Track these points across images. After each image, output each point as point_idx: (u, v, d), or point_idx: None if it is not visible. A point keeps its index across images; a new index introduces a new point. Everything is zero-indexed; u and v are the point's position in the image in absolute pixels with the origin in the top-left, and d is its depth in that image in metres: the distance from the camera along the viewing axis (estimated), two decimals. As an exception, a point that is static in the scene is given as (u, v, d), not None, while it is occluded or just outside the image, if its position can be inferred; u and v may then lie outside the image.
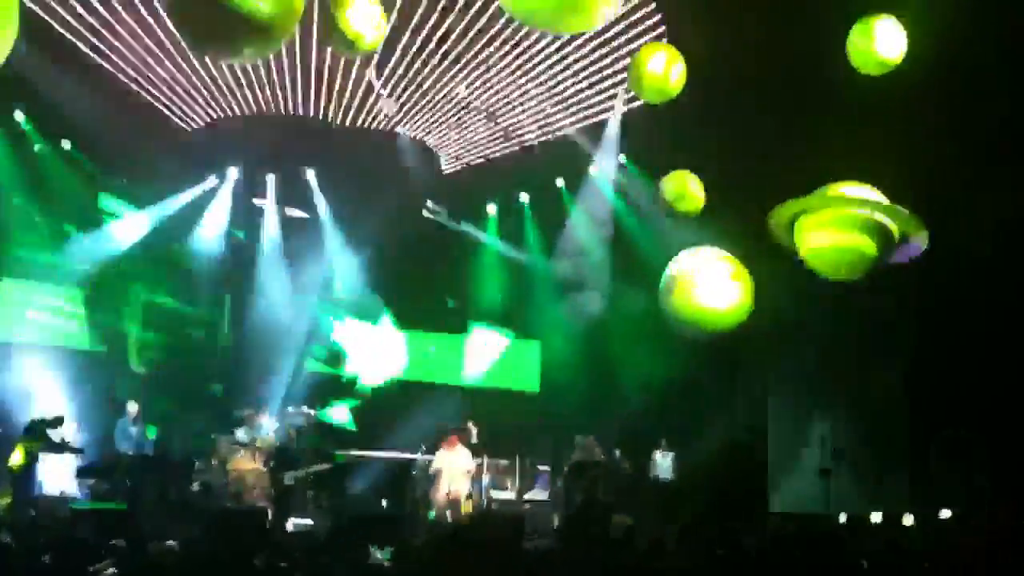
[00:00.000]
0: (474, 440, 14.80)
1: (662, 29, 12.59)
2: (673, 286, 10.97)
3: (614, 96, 14.70)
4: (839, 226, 9.72)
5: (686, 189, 11.90)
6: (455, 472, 13.70)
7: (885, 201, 9.76)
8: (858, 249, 9.79)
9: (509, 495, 15.57)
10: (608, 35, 12.91)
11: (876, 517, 13.06)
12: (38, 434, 12.30)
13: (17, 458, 12.08)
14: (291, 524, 12.56)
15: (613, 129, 15.45)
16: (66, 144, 15.12)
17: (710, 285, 10.73)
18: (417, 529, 11.98)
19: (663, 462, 15.61)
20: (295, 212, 17.28)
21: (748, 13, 11.81)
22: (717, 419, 16.25)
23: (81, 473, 12.94)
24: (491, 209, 18.31)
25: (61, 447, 12.49)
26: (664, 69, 9.71)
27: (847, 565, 6.98)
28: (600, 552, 8.54)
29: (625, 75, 13.50)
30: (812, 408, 15.75)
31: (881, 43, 8.84)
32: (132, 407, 13.65)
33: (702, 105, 11.62)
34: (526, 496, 15.37)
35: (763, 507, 15.17)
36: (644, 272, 14.63)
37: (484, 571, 6.48)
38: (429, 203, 17.91)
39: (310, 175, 16.99)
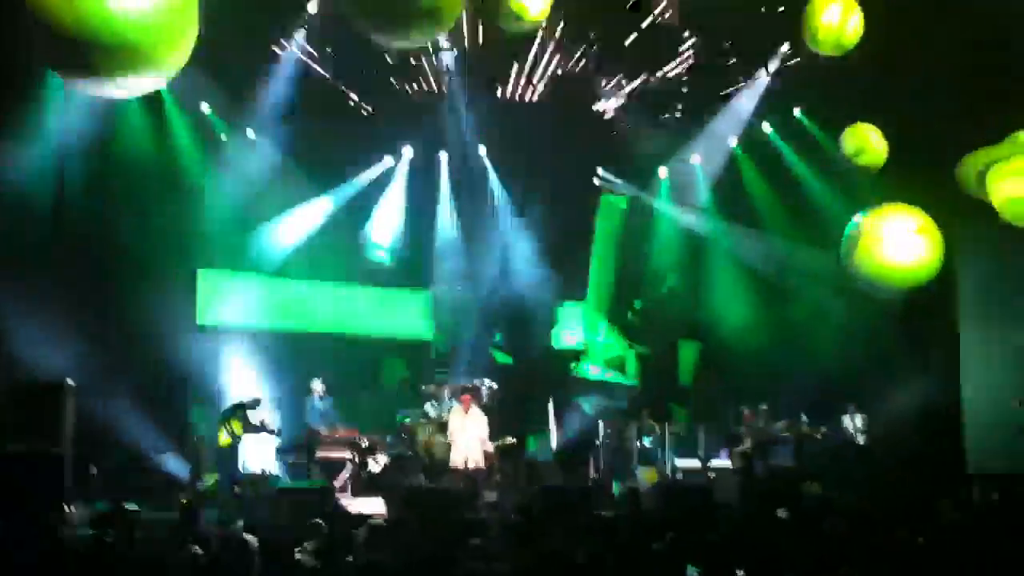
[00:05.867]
0: (484, 400, 14.67)
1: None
2: (857, 243, 10.64)
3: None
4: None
5: (867, 142, 11.49)
6: (471, 441, 13.30)
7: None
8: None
9: (694, 463, 15.40)
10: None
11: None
12: (239, 416, 12.90)
13: (224, 438, 12.72)
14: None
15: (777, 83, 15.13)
16: (250, 132, 15.66)
17: (896, 240, 10.35)
18: (603, 502, 11.95)
19: (853, 426, 15.14)
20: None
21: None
22: (908, 379, 15.64)
23: (281, 451, 13.49)
24: (663, 173, 18.04)
25: (259, 428, 13.01)
26: (840, 20, 9.40)
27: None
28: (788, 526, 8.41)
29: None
30: (1009, 361, 14.98)
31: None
32: (317, 384, 14.04)
33: (881, 56, 11.15)
34: (711, 464, 15.13)
35: (961, 470, 14.55)
36: (825, 229, 14.26)
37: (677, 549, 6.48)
38: (600, 170, 17.86)
39: (482, 151, 17.17)
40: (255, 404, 13.17)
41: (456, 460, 13.24)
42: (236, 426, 12.71)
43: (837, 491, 11.92)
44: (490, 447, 13.52)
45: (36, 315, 11.79)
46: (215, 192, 14.81)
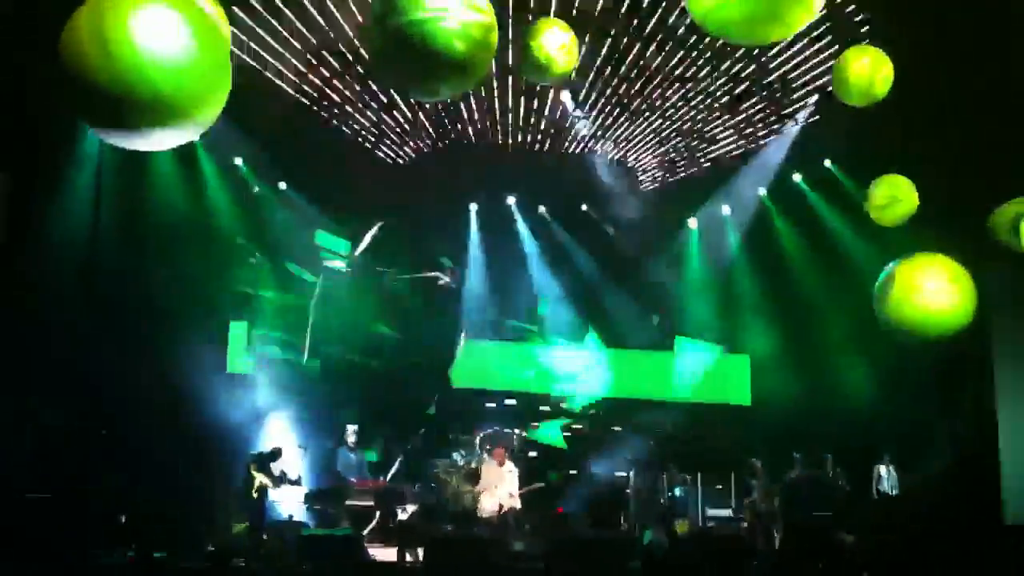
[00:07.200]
0: (515, 450, 14.72)
1: (864, 30, 12.14)
2: (889, 292, 10.56)
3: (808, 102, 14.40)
4: (1070, 222, 9.13)
5: (898, 193, 11.46)
6: (505, 493, 13.49)
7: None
8: (1092, 245, 9.14)
9: (725, 512, 15.27)
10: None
11: None
12: (261, 466, 12.95)
13: (249, 486, 12.76)
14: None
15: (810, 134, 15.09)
16: (282, 185, 15.91)
17: (928, 289, 10.27)
18: (633, 551, 11.85)
19: (886, 477, 14.96)
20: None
21: (957, 13, 11.27)
22: (942, 429, 15.46)
23: (309, 499, 13.52)
24: (692, 223, 18.09)
25: (281, 479, 13.08)
26: (871, 71, 9.42)
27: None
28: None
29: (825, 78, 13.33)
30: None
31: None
32: (351, 434, 14.13)
33: (911, 106, 11.16)
34: (743, 514, 14.99)
35: (998, 522, 14.32)
36: (856, 279, 14.19)
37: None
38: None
39: (510, 201, 17.37)
40: (277, 454, 13.25)
41: (492, 510, 13.25)
42: (258, 476, 12.76)
43: (871, 541, 11.76)
44: (518, 499, 13.52)
45: (67, 364, 11.90)
46: (247, 242, 15.01)
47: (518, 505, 13.53)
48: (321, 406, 15.75)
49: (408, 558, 11.47)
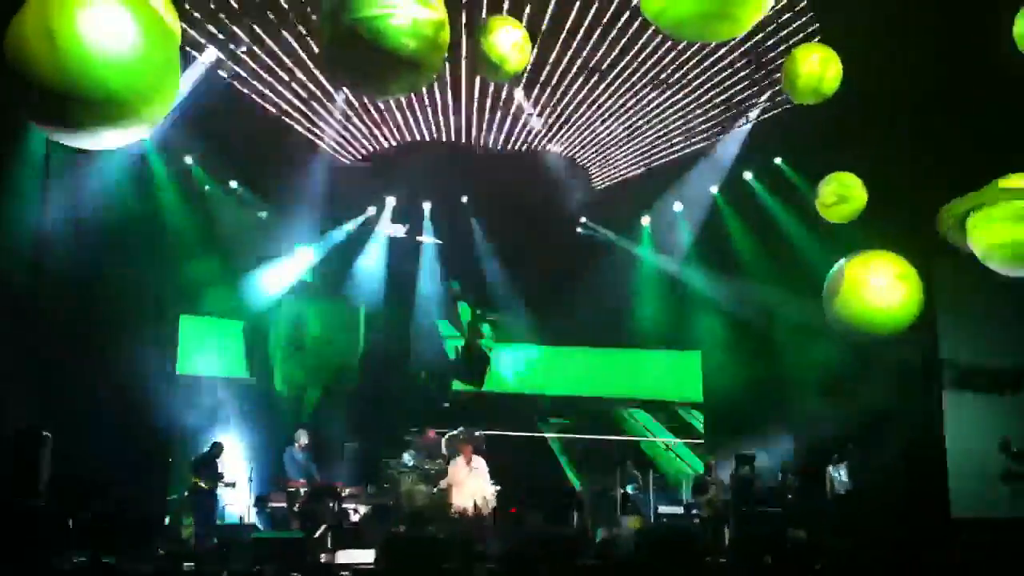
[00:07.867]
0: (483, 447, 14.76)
1: (812, 28, 12.25)
2: (837, 289, 10.66)
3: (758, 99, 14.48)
4: (1016, 220, 9.24)
5: (847, 190, 11.57)
6: (476, 490, 13.46)
7: (1065, 189, 9.20)
8: (1037, 243, 9.26)
9: (677, 509, 15.38)
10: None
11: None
12: (203, 466, 12.85)
13: (193, 488, 12.68)
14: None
15: (760, 132, 15.19)
16: (233, 184, 15.76)
17: (876, 287, 10.38)
18: (587, 550, 11.87)
19: (837, 476, 15.12)
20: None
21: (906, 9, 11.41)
22: (890, 426, 15.65)
23: (259, 501, 13.42)
24: (645, 221, 18.15)
25: (219, 478, 12.97)
26: (819, 69, 9.50)
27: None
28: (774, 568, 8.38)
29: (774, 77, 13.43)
30: (993, 408, 15.01)
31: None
32: (302, 436, 14.03)
33: (859, 103, 11.27)
34: (695, 510, 15.09)
35: (945, 516, 14.53)
36: (805, 277, 14.33)
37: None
38: (583, 219, 18.02)
39: (464, 200, 17.34)
40: (218, 452, 13.15)
41: (463, 508, 13.24)
42: (199, 477, 12.66)
43: (822, 537, 11.89)
44: (492, 499, 13.51)
45: (13, 364, 11.70)
46: (198, 242, 14.86)
47: (492, 505, 13.50)
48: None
49: (360, 559, 11.39)
